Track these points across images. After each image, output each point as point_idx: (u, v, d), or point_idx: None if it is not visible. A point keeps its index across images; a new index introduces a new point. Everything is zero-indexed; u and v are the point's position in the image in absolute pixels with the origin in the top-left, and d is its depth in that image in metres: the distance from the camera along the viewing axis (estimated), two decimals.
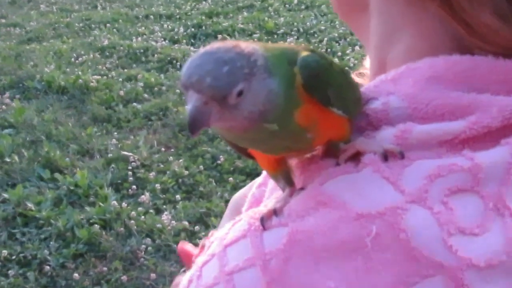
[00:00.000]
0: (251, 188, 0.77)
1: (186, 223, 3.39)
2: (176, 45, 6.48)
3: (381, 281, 0.46)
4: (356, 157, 0.53)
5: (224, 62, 0.46)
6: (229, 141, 0.58)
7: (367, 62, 0.75)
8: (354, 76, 0.76)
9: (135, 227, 3.38)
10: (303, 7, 7.64)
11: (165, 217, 3.44)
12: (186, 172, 3.92)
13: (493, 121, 0.51)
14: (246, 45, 0.49)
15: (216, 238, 0.55)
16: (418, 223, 0.47)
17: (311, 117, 0.51)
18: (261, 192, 0.71)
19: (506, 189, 0.49)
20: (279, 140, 0.52)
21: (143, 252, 3.21)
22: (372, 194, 0.49)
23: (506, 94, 0.52)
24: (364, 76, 0.76)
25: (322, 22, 6.90)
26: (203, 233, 3.30)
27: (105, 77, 5.57)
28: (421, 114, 0.53)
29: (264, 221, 0.51)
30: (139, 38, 6.72)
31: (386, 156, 0.51)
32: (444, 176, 0.48)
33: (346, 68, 0.58)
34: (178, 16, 7.53)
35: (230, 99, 0.47)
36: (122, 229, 3.38)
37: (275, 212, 0.52)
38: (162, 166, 4.03)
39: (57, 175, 3.89)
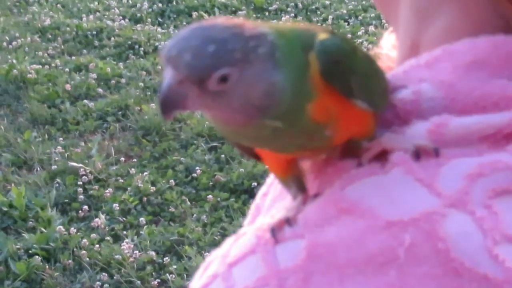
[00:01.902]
0: None
1: (152, 253, 3.41)
2: (138, 25, 6.48)
3: None
4: (382, 156, 0.56)
5: (213, 40, 0.49)
6: (230, 138, 0.62)
7: (385, 41, 0.78)
8: None
9: (87, 258, 3.40)
10: None
11: (126, 246, 3.45)
12: (153, 189, 3.94)
13: None
14: (253, 27, 0.51)
15: (215, 257, 0.58)
16: (459, 230, 0.49)
17: (329, 111, 0.54)
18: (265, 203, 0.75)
19: None
20: (289, 138, 0.55)
21: None
22: (404, 198, 0.51)
23: None
24: (380, 57, 0.79)
25: None
26: (174, 266, 3.33)
27: (47, 66, 5.58)
28: (459, 106, 0.56)
29: (275, 232, 0.53)
30: (91, 17, 6.71)
31: (418, 154, 0.53)
32: (487, 175, 0.51)
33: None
34: None
35: (209, 84, 0.50)
36: (70, 261, 3.39)
37: (288, 221, 0.54)
38: (121, 180, 4.05)
39: None
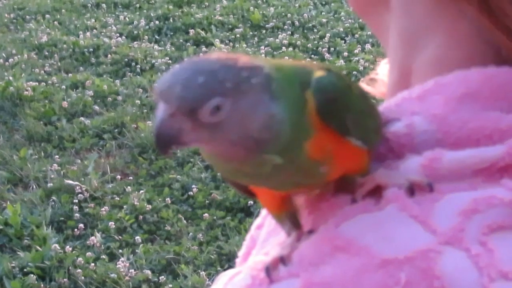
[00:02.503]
0: None
1: (148, 272, 3.40)
2: (135, 42, 6.50)
3: None
4: (375, 192, 0.55)
5: (203, 72, 0.50)
6: (226, 176, 0.62)
7: (381, 68, 0.78)
8: (364, 84, 0.79)
9: (82, 277, 3.39)
10: None
11: (122, 264, 3.44)
12: (149, 207, 3.94)
13: None
14: (247, 60, 0.52)
15: None
16: (454, 268, 0.49)
17: (325, 148, 0.54)
18: (260, 236, 0.75)
19: None
20: (286, 175, 0.55)
21: None
22: (399, 236, 0.51)
23: None
24: (375, 82, 0.79)
25: (324, 13, 6.97)
26: (170, 285, 3.33)
27: (43, 83, 5.59)
28: (452, 139, 0.56)
29: (270, 272, 0.53)
30: (88, 34, 6.73)
31: (412, 190, 0.53)
32: (482, 211, 0.51)
33: (364, 89, 0.61)
34: (138, 5, 7.57)
35: (201, 115, 0.49)
36: (65, 280, 3.38)
37: (282, 260, 0.54)
38: (117, 198, 4.05)
39: None
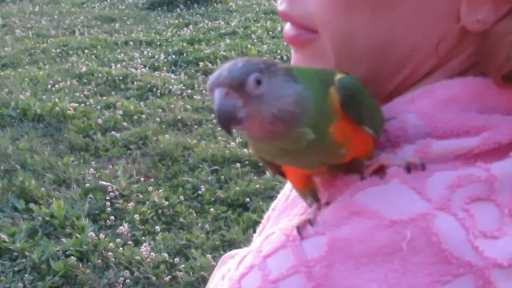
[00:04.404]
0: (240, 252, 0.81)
1: (165, 255, 3.40)
2: (156, 72, 6.52)
3: (418, 281, 0.50)
4: (379, 171, 0.58)
5: (240, 61, 0.52)
6: (266, 158, 0.61)
7: None
8: None
9: (113, 259, 3.39)
10: None
11: (144, 248, 3.44)
12: (166, 203, 3.93)
13: (503, 137, 0.56)
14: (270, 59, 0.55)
15: (249, 251, 0.58)
16: (447, 227, 0.51)
17: (345, 133, 0.56)
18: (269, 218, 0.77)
19: None
20: (314, 154, 0.56)
21: (121, 285, 3.21)
22: (402, 202, 0.53)
23: None
24: None
25: None
26: (183, 265, 3.31)
27: (82, 104, 5.60)
28: (439, 132, 0.58)
29: (300, 230, 0.55)
30: (118, 65, 6.76)
31: (409, 168, 0.55)
32: (464, 186, 0.53)
33: None
34: (158, 43, 7.60)
35: (248, 87, 0.51)
36: (99, 261, 3.38)
37: (309, 221, 0.55)
38: (141, 196, 4.05)
39: (32, 205, 3.90)
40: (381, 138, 0.60)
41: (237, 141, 4.61)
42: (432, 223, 0.51)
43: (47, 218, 3.77)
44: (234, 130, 0.52)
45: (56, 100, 5.61)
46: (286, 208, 0.69)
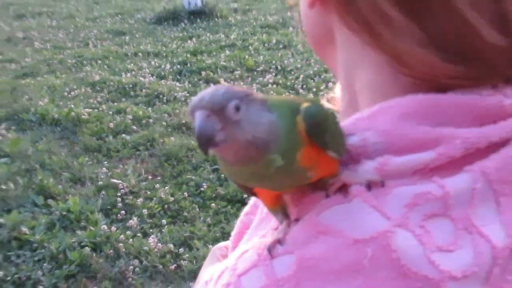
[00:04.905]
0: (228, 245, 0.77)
1: (171, 245, 3.40)
2: (162, 80, 6.51)
3: None
4: (342, 188, 0.55)
5: (221, 88, 0.51)
6: (239, 182, 0.59)
7: (337, 89, 0.76)
8: (325, 101, 0.80)
9: (124, 249, 3.39)
10: (281, 46, 7.72)
11: (152, 240, 3.45)
12: (172, 199, 3.93)
13: (456, 151, 0.53)
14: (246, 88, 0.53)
15: (226, 268, 0.57)
16: (405, 244, 0.49)
17: (312, 158, 0.54)
18: (249, 220, 0.75)
19: (471, 210, 0.52)
20: (283, 178, 0.54)
21: (131, 273, 3.22)
22: (364, 221, 0.51)
23: (467, 127, 0.54)
24: (334, 100, 0.78)
25: (299, 60, 6.98)
26: (187, 255, 3.32)
27: (96, 110, 5.60)
28: (396, 148, 0.55)
29: (271, 250, 0.53)
30: (128, 74, 6.75)
31: (369, 186, 0.53)
32: (421, 204, 0.51)
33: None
34: (164, 54, 7.58)
35: (228, 112, 0.49)
36: (111, 251, 3.39)
37: (279, 241, 0.54)
38: (149, 193, 4.05)
39: (50, 201, 3.90)
40: (344, 156, 0.58)
41: None
42: (392, 240, 0.50)
43: (64, 213, 3.77)
44: (210, 152, 0.50)
45: (72, 106, 5.61)
46: (261, 221, 0.66)
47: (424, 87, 0.57)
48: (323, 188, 0.57)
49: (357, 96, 0.65)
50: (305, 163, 0.53)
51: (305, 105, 0.54)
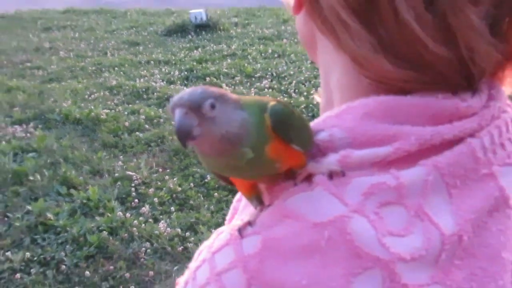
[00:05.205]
0: None
1: (178, 230, 3.40)
2: (172, 85, 6.50)
3: (334, 273, 0.48)
4: (309, 178, 0.54)
5: (198, 88, 0.50)
6: (215, 172, 0.58)
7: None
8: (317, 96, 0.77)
9: (137, 233, 3.39)
10: (276, 55, 7.70)
11: (162, 225, 3.45)
12: (179, 189, 3.93)
13: (411, 147, 0.52)
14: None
15: (204, 247, 0.57)
16: (360, 227, 0.49)
17: (278, 151, 0.53)
18: (238, 205, 0.74)
19: (424, 200, 0.51)
20: (254, 168, 0.53)
21: (143, 254, 3.22)
22: (324, 207, 0.50)
23: (422, 125, 0.53)
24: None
25: (291, 68, 6.96)
26: (192, 238, 3.32)
27: (113, 111, 5.59)
28: (358, 142, 0.54)
29: (241, 231, 0.53)
30: (142, 80, 6.73)
31: (331, 176, 0.53)
32: (376, 193, 0.51)
33: (310, 105, 0.58)
34: (173, 62, 7.56)
35: (204, 110, 0.49)
36: (126, 235, 3.38)
37: (249, 223, 0.53)
38: (159, 183, 4.04)
39: (72, 191, 3.90)
40: (314, 150, 0.57)
41: None
42: (347, 224, 0.49)
43: (84, 201, 3.77)
44: (189, 145, 0.50)
45: (92, 107, 5.60)
46: (244, 207, 0.65)
47: (384, 88, 0.56)
48: (293, 178, 0.56)
49: (332, 95, 0.64)
50: (273, 155, 0.53)
51: (271, 104, 0.54)
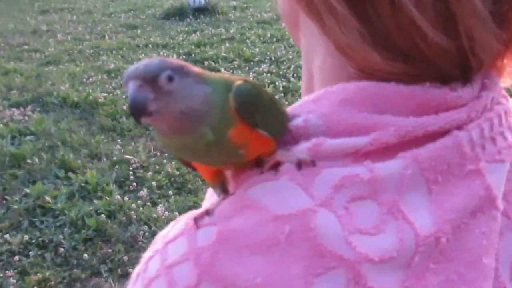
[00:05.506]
0: None
1: (176, 213, 3.39)
2: None
3: (293, 272, 0.43)
4: (277, 166, 0.49)
5: (156, 59, 0.45)
6: (174, 154, 0.53)
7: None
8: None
9: (135, 217, 3.39)
10: (274, 40, 7.66)
11: (160, 209, 3.45)
12: (177, 173, 3.92)
13: (390, 138, 0.48)
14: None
15: (160, 236, 0.52)
16: (325, 223, 0.44)
17: (242, 136, 0.48)
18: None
19: (400, 196, 0.46)
20: (216, 154, 0.49)
21: (141, 237, 3.22)
22: (287, 198, 0.46)
23: (405, 115, 0.49)
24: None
25: (290, 52, 6.92)
26: None
27: (111, 94, 5.56)
28: (333, 131, 0.49)
29: (197, 220, 0.48)
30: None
31: (300, 165, 0.48)
32: (347, 187, 0.46)
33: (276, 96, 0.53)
34: (172, 46, 7.52)
35: (160, 83, 0.44)
36: (124, 218, 3.39)
37: (207, 213, 0.49)
38: (157, 167, 4.03)
39: (70, 174, 3.90)
40: (287, 136, 0.51)
41: None
42: (311, 219, 0.44)
43: (83, 184, 3.76)
44: (144, 122, 0.45)
45: (90, 90, 5.57)
46: (211, 195, 0.60)
47: (368, 79, 0.51)
48: (261, 166, 0.51)
49: (313, 79, 0.59)
50: (236, 140, 0.48)
51: (237, 83, 0.48)
